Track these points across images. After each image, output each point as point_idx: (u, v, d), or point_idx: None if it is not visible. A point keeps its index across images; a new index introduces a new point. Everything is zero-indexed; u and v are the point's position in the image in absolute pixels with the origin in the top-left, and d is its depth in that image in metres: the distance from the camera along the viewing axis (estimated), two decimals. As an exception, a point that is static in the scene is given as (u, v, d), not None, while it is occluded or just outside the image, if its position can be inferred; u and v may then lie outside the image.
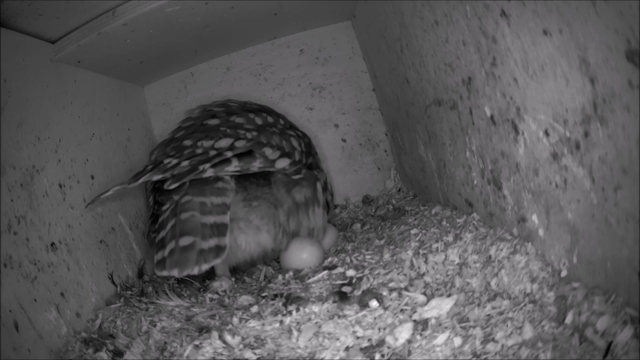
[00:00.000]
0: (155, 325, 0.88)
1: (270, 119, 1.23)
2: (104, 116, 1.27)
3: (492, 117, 0.80)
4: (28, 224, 0.85)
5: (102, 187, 1.15)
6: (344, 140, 1.65)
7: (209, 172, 0.95)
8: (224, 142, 1.06)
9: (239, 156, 1.01)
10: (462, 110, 0.91)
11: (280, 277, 1.09)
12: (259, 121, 1.19)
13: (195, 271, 0.88)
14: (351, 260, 1.07)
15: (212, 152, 1.01)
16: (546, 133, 0.65)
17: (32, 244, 0.84)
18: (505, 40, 0.68)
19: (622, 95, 0.50)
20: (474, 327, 0.67)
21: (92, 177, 1.12)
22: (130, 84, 1.51)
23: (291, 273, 1.08)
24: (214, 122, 1.17)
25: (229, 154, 1.01)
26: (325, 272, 1.02)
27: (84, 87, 1.17)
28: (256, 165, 1.03)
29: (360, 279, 0.94)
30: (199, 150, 1.03)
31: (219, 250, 0.90)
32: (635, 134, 0.50)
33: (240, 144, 1.06)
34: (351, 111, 1.65)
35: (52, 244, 0.90)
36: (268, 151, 1.08)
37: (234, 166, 0.99)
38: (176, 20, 1.14)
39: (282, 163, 1.09)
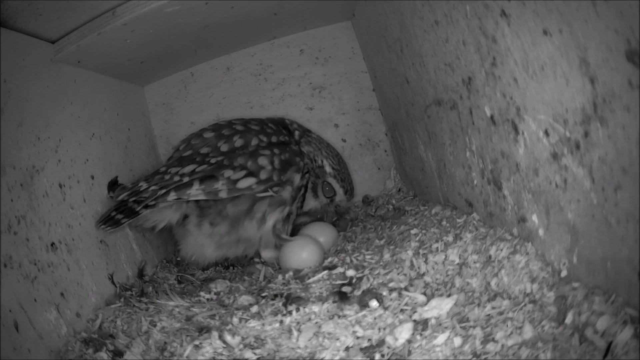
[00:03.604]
0: (155, 325, 0.88)
1: (240, 142, 1.23)
2: (104, 116, 1.27)
3: (492, 117, 0.80)
4: (28, 224, 0.85)
5: (102, 187, 1.15)
6: (344, 140, 1.65)
7: (172, 196, 1.07)
8: (188, 169, 1.14)
9: (202, 179, 1.10)
10: (462, 110, 0.91)
11: (280, 277, 1.09)
12: (224, 148, 1.21)
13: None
14: (351, 260, 1.07)
15: (177, 178, 1.11)
16: (546, 133, 0.65)
17: (32, 244, 0.84)
18: (505, 40, 0.68)
19: (622, 95, 0.50)
20: (474, 327, 0.67)
21: (92, 177, 1.12)
22: (130, 84, 1.51)
23: (291, 273, 1.09)
24: (187, 153, 1.23)
25: (185, 179, 1.10)
26: (325, 272, 1.02)
27: (84, 87, 1.17)
28: (219, 188, 1.10)
29: (360, 279, 0.94)
30: (167, 177, 1.12)
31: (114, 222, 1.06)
32: (635, 134, 0.50)
33: (201, 167, 1.13)
34: (351, 111, 1.65)
35: (52, 244, 0.90)
36: (229, 172, 1.13)
37: (196, 189, 1.09)
38: (176, 20, 1.14)
39: (247, 182, 1.14)
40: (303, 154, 1.33)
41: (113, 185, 1.15)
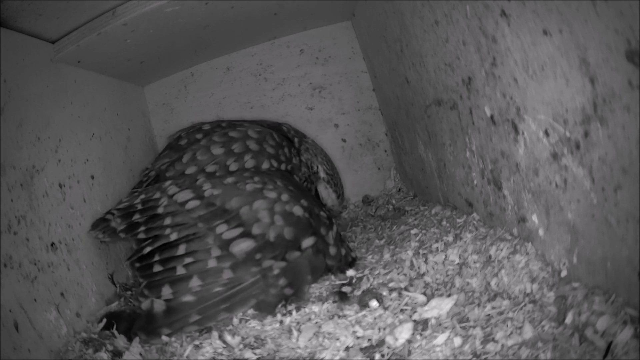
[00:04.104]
0: (155, 325, 0.88)
1: (251, 163, 1.13)
2: (104, 116, 1.27)
3: (492, 117, 0.80)
4: (28, 224, 0.85)
5: (102, 187, 1.15)
6: (344, 140, 1.65)
7: (158, 268, 0.92)
8: (183, 196, 1.01)
9: (189, 240, 0.94)
10: (462, 110, 0.91)
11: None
12: (233, 167, 1.14)
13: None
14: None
15: (167, 229, 0.96)
16: (546, 133, 0.65)
17: (32, 244, 0.84)
18: (505, 40, 0.68)
19: (622, 95, 0.50)
20: (474, 327, 0.67)
21: (92, 177, 1.12)
22: (130, 84, 1.51)
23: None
24: (192, 170, 1.14)
25: (173, 235, 0.94)
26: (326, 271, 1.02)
27: (84, 87, 1.17)
28: (214, 261, 0.91)
29: (360, 279, 0.94)
30: (160, 207, 1.00)
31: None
32: (635, 134, 0.50)
33: (193, 204, 0.98)
34: (351, 111, 1.65)
35: (52, 244, 0.90)
36: (221, 228, 0.94)
37: (180, 253, 0.92)
38: (176, 20, 1.14)
39: (242, 245, 0.92)
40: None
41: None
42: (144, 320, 0.86)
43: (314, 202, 1.07)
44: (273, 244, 0.93)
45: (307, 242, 0.96)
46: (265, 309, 0.89)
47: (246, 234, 0.94)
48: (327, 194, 1.34)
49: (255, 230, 0.94)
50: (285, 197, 1.01)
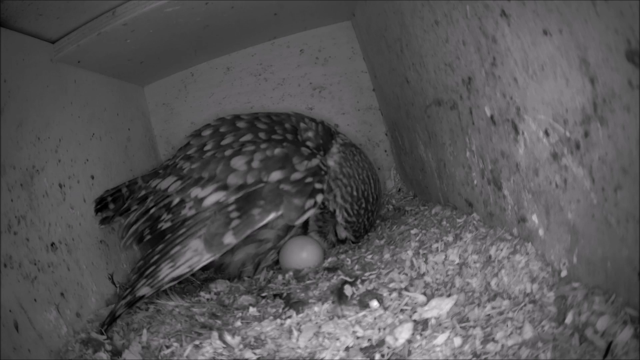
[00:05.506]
0: (154, 325, 0.88)
1: (229, 139, 1.09)
2: (104, 116, 1.27)
3: (492, 117, 0.80)
4: (28, 224, 0.85)
5: (102, 187, 1.15)
6: (344, 140, 1.65)
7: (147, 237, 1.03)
8: (166, 183, 1.06)
9: (168, 208, 0.99)
10: (462, 110, 0.91)
11: (280, 277, 1.09)
12: (209, 146, 1.09)
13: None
14: (351, 261, 1.06)
15: (152, 209, 1.02)
16: (546, 133, 0.65)
17: (32, 244, 0.84)
18: (505, 40, 0.68)
19: (622, 95, 0.50)
20: (474, 327, 0.67)
21: (92, 177, 1.12)
22: (130, 84, 1.51)
23: (291, 273, 1.08)
24: (181, 162, 1.15)
25: (164, 226, 0.99)
26: (325, 272, 1.02)
27: (84, 87, 1.17)
28: (186, 210, 0.94)
29: (358, 277, 0.94)
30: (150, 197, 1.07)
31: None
32: (635, 134, 0.50)
33: (175, 186, 1.02)
34: (351, 111, 1.65)
35: (52, 244, 0.90)
36: (196, 191, 0.96)
37: (164, 223, 0.98)
38: (176, 20, 1.14)
39: (213, 198, 0.93)
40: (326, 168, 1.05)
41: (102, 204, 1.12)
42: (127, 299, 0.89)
43: (299, 151, 1.03)
44: (242, 186, 0.92)
45: (275, 175, 0.92)
46: (210, 238, 0.88)
47: (221, 187, 0.93)
48: (343, 234, 1.19)
49: (231, 180, 0.93)
50: (264, 145, 0.98)
